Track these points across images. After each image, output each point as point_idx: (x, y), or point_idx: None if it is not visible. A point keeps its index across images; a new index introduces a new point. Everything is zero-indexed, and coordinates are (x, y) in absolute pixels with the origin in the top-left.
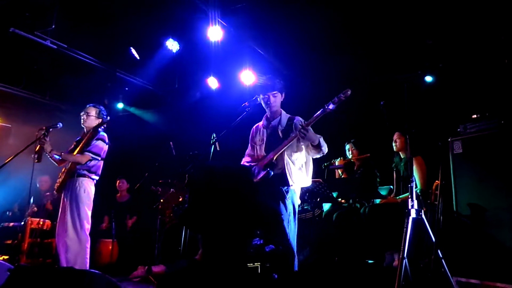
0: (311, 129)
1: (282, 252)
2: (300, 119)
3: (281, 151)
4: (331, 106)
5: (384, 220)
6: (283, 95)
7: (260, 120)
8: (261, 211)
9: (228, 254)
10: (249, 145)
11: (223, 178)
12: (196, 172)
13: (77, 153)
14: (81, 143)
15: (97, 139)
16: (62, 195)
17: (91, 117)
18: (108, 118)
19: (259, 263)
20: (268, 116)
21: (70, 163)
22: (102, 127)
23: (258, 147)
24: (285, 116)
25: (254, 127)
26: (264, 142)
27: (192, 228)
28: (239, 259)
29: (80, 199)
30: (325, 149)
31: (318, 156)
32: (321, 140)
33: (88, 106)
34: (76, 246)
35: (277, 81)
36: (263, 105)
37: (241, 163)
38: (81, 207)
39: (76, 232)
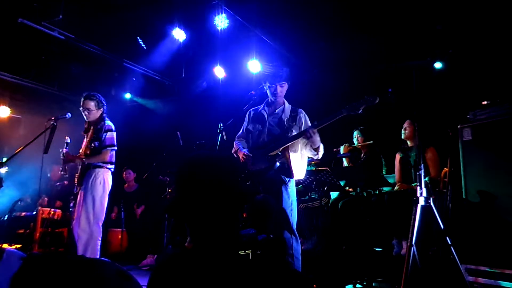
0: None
1: (275, 240)
2: (303, 112)
3: (288, 144)
4: (359, 111)
5: (404, 207)
6: (288, 84)
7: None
8: (249, 201)
9: (215, 241)
10: (244, 128)
11: (207, 168)
12: (181, 164)
13: (87, 149)
14: (89, 137)
15: (106, 131)
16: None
17: (92, 111)
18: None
19: (250, 251)
20: (270, 103)
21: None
22: (105, 115)
23: (256, 133)
24: (288, 106)
25: (251, 110)
26: (266, 129)
27: (178, 218)
28: (227, 246)
29: (95, 191)
30: (320, 155)
31: (311, 156)
32: (321, 146)
33: (84, 99)
34: (87, 237)
35: (284, 70)
36: (269, 93)
37: (234, 145)
38: (96, 199)
39: (88, 224)
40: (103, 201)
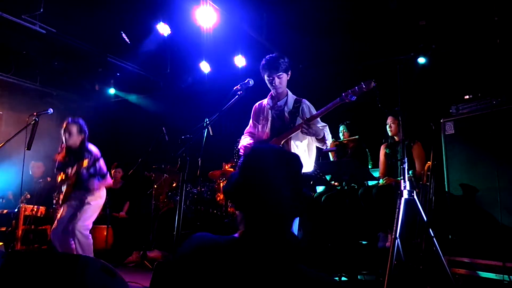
0: (316, 122)
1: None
2: (307, 103)
3: (290, 137)
4: (352, 98)
5: (392, 200)
6: (289, 74)
7: (254, 101)
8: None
9: (271, 234)
10: (251, 122)
11: (275, 160)
12: (248, 151)
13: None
14: (75, 165)
15: (96, 160)
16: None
17: (73, 136)
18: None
19: None
20: (274, 95)
21: (67, 187)
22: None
23: (260, 126)
24: (291, 97)
25: (257, 104)
26: (269, 122)
27: (238, 203)
28: (282, 240)
29: (84, 211)
30: (329, 142)
31: (320, 147)
32: (326, 132)
33: (67, 123)
34: (84, 240)
35: (282, 61)
36: (268, 85)
37: (241, 141)
38: (89, 213)
39: (80, 231)
40: (94, 216)
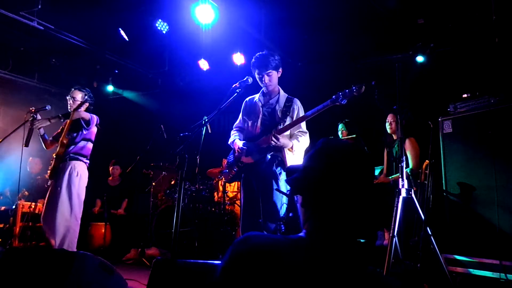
0: (297, 128)
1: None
2: (299, 103)
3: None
4: (343, 101)
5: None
6: (280, 71)
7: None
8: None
9: (347, 237)
10: (240, 117)
11: (361, 160)
12: (330, 146)
13: (64, 138)
14: (67, 126)
15: (87, 124)
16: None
17: (77, 102)
18: (92, 101)
19: None
20: (265, 92)
21: (59, 148)
22: (90, 109)
23: (250, 123)
24: (283, 96)
25: (248, 99)
26: (260, 119)
27: (311, 201)
28: (355, 242)
29: (72, 183)
30: (297, 153)
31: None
32: (296, 143)
33: (73, 89)
34: (64, 231)
35: (271, 59)
36: (259, 82)
37: (230, 136)
38: (73, 192)
39: (65, 218)
40: (81, 194)
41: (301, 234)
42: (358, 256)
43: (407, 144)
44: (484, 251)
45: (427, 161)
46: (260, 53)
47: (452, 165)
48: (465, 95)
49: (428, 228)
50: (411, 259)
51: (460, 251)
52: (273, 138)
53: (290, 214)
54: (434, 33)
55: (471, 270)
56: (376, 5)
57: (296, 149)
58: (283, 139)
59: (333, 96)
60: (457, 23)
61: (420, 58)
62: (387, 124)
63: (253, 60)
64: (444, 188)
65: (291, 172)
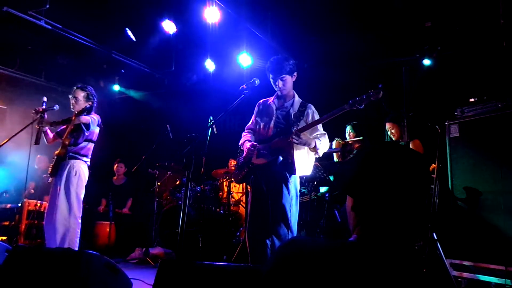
0: (314, 130)
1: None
2: (313, 108)
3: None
4: (361, 106)
5: None
6: (294, 75)
7: (258, 100)
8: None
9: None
10: (253, 119)
11: (411, 162)
12: (381, 150)
13: (66, 139)
14: (69, 127)
15: (89, 124)
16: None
17: (80, 102)
18: (96, 99)
19: None
20: (280, 96)
21: (60, 148)
22: (94, 108)
23: (262, 124)
24: (298, 100)
25: (261, 101)
26: (273, 121)
27: (363, 206)
28: (404, 248)
29: (70, 182)
30: (321, 152)
31: (314, 155)
32: (320, 141)
33: (75, 88)
34: (64, 230)
35: (286, 64)
36: (273, 86)
37: (242, 137)
38: (71, 191)
39: (64, 216)
40: (79, 193)
41: (351, 238)
42: (406, 260)
43: (411, 146)
44: (489, 257)
45: (433, 165)
46: (276, 57)
47: (459, 170)
48: (472, 99)
49: (433, 233)
50: (416, 263)
51: (465, 256)
52: (294, 136)
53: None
54: (441, 36)
55: (476, 275)
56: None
57: (320, 148)
58: (305, 137)
59: (350, 101)
60: (465, 26)
61: (427, 61)
62: (388, 133)
63: (268, 64)
64: (450, 192)
65: (341, 173)
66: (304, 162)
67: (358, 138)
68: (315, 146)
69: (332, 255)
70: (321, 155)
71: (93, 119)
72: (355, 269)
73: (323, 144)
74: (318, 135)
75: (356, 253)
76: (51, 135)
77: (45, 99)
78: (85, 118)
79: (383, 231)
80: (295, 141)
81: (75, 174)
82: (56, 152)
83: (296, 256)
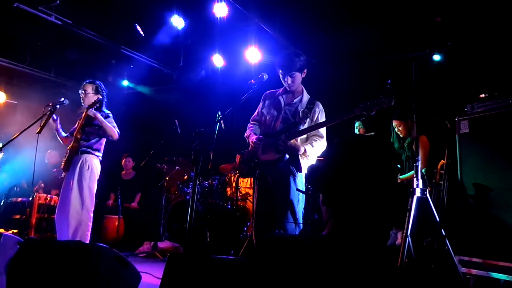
0: (316, 133)
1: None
2: (321, 106)
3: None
4: (372, 113)
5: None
6: (304, 72)
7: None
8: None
9: (362, 233)
10: (259, 110)
11: (371, 156)
12: (342, 143)
13: (78, 133)
14: (81, 121)
15: (106, 117)
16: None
17: (89, 95)
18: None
19: None
20: (288, 91)
21: (73, 142)
22: (104, 103)
23: (269, 117)
24: (306, 96)
25: (268, 92)
26: (281, 117)
27: (332, 201)
28: (373, 239)
29: (83, 176)
30: (311, 157)
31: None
32: (310, 149)
33: (84, 83)
34: (76, 224)
35: (296, 60)
36: (282, 81)
37: (248, 129)
38: (84, 185)
39: (77, 210)
40: (92, 187)
41: (323, 233)
42: (371, 256)
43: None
44: (499, 254)
45: (442, 161)
46: (287, 52)
47: (468, 166)
48: (482, 95)
49: (442, 229)
50: (425, 259)
51: (474, 253)
52: (281, 143)
53: (316, 216)
54: (451, 31)
55: (485, 272)
56: None
57: (310, 154)
58: (293, 144)
59: (361, 104)
60: (475, 21)
61: (437, 57)
62: (395, 130)
63: (278, 58)
64: (459, 188)
65: (312, 171)
66: (310, 160)
67: (370, 134)
68: (305, 151)
69: (304, 249)
70: (313, 161)
71: (109, 115)
72: (323, 262)
73: (315, 150)
74: (314, 138)
75: (325, 247)
76: (63, 134)
77: (62, 99)
78: (97, 113)
79: (350, 224)
80: (282, 148)
81: (88, 169)
82: (69, 146)
83: (274, 250)
